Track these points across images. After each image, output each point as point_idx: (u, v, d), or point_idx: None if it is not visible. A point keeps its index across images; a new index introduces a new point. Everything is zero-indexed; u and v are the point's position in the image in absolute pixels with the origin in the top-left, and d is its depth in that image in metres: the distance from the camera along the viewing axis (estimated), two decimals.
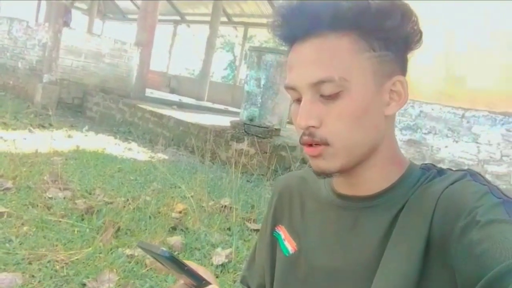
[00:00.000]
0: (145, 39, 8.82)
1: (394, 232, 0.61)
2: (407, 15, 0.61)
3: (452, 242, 0.53)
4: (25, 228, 2.57)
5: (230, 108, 11.80)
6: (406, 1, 0.63)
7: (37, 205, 2.95)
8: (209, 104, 12.22)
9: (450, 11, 5.00)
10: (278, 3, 0.64)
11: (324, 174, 0.64)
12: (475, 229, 0.50)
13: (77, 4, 19.95)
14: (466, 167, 4.47)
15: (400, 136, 5.43)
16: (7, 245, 2.33)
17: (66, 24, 8.03)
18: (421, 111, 5.26)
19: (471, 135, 4.88)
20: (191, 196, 3.63)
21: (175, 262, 0.53)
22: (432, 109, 5.17)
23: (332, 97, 0.60)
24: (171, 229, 2.94)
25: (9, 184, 3.26)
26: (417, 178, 0.64)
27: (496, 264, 0.45)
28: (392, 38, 0.62)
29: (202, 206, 3.48)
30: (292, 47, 0.64)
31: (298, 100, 0.63)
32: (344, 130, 0.60)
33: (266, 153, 5.21)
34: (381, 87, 0.62)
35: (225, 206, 3.53)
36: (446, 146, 5.05)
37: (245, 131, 5.64)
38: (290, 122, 6.64)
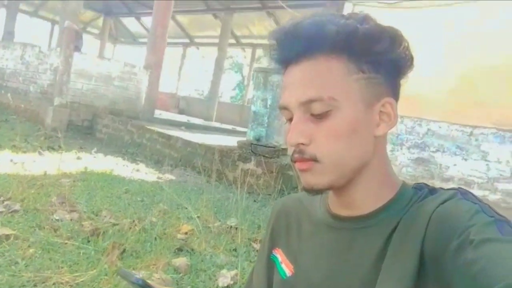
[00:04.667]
0: (154, 62, 8.97)
1: (388, 253, 0.61)
2: (397, 40, 0.64)
3: (446, 262, 0.53)
4: (31, 250, 2.58)
5: (238, 128, 11.85)
6: (397, 27, 0.65)
7: (44, 227, 2.96)
8: (217, 124, 12.31)
9: (453, 26, 5.01)
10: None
11: (313, 190, 0.65)
12: (469, 248, 0.50)
13: (89, 29, 20.44)
14: (475, 185, 4.41)
15: (408, 155, 5.40)
16: (13, 267, 2.34)
17: (78, 48, 8.21)
18: (428, 129, 5.24)
19: (480, 153, 4.84)
20: (197, 217, 3.62)
21: None
22: (440, 127, 5.14)
23: (321, 116, 0.62)
24: (176, 251, 2.93)
25: (17, 206, 3.28)
26: (410, 197, 0.65)
27: (492, 283, 0.44)
28: (382, 62, 0.64)
29: (208, 227, 3.47)
30: (286, 69, 0.67)
31: (290, 120, 0.66)
32: (332, 148, 0.62)
33: (273, 172, 5.20)
34: (370, 108, 0.64)
35: (231, 226, 3.51)
36: (455, 164, 5.00)
37: (252, 151, 5.65)
38: None
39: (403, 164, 5.67)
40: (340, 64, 0.62)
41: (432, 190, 0.65)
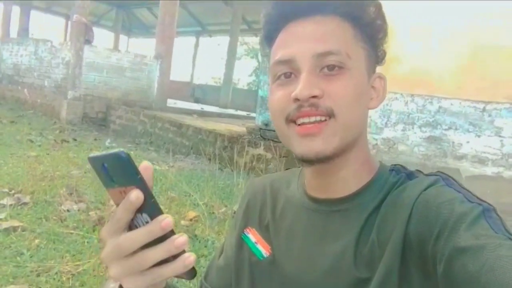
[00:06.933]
0: (164, 51, 8.99)
1: (371, 240, 0.60)
2: (384, 16, 0.66)
3: (431, 252, 0.52)
4: (36, 241, 2.66)
5: (253, 114, 11.82)
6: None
7: (51, 218, 3.04)
8: (232, 111, 12.30)
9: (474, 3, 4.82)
10: None
11: (315, 159, 0.61)
12: (468, 255, 0.47)
13: (102, 22, 20.61)
14: (489, 162, 4.27)
15: (420, 134, 5.28)
16: (18, 258, 2.41)
17: (88, 41, 8.28)
18: (440, 107, 5.10)
19: (493, 129, 4.69)
20: (204, 203, 3.65)
21: (128, 168, 0.40)
22: (452, 104, 5.00)
23: (333, 73, 0.60)
24: None
25: (27, 199, 3.37)
26: (386, 180, 0.65)
27: None
28: (376, 37, 0.66)
29: (213, 213, 3.49)
30: (288, 25, 0.64)
31: (285, 75, 0.63)
32: (348, 102, 0.60)
33: (282, 157, 5.18)
34: (368, 79, 0.65)
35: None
36: (468, 142, 4.87)
37: (261, 136, 5.64)
38: None
39: (415, 143, 5.56)
40: (351, 29, 0.63)
41: (410, 175, 0.64)
